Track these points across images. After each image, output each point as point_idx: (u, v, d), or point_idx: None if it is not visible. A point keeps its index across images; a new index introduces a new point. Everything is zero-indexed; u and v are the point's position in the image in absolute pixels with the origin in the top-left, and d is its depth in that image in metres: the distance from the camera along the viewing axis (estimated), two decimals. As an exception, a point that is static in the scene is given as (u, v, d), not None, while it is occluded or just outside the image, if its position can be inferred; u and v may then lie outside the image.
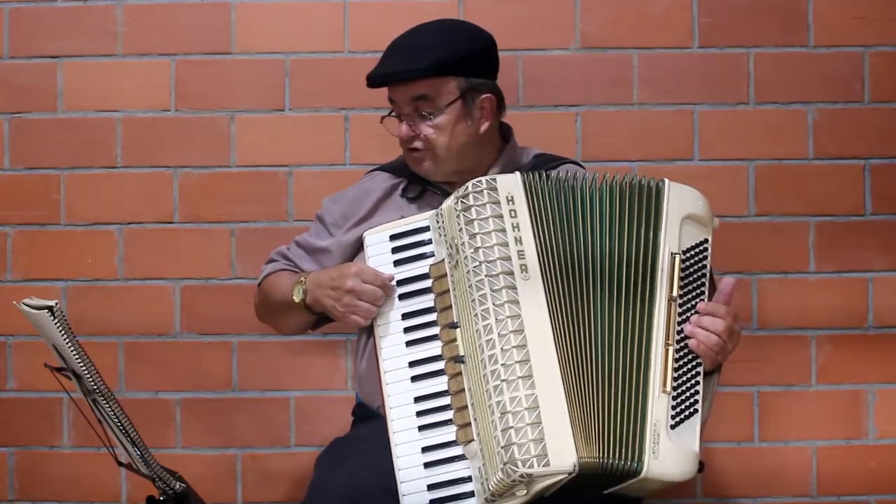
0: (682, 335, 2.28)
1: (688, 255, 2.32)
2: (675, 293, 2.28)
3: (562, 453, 2.14)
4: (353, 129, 3.14)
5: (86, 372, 2.26)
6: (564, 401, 2.18)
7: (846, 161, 3.14)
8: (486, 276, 2.24)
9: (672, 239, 2.31)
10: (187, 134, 3.15)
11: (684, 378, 2.26)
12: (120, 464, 2.45)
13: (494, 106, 2.55)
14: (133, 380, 3.14)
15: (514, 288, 2.23)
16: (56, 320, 2.22)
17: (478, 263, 2.25)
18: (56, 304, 2.22)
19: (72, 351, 2.24)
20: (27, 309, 2.25)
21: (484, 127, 2.54)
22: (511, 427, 2.15)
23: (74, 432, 3.14)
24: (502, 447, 2.15)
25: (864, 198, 3.14)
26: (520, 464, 2.13)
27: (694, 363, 2.28)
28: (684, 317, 2.29)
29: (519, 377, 2.18)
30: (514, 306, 2.22)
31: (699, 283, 2.32)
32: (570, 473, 2.15)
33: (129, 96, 3.14)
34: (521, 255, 2.25)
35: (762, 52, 3.14)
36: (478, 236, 2.26)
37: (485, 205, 2.28)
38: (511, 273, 2.24)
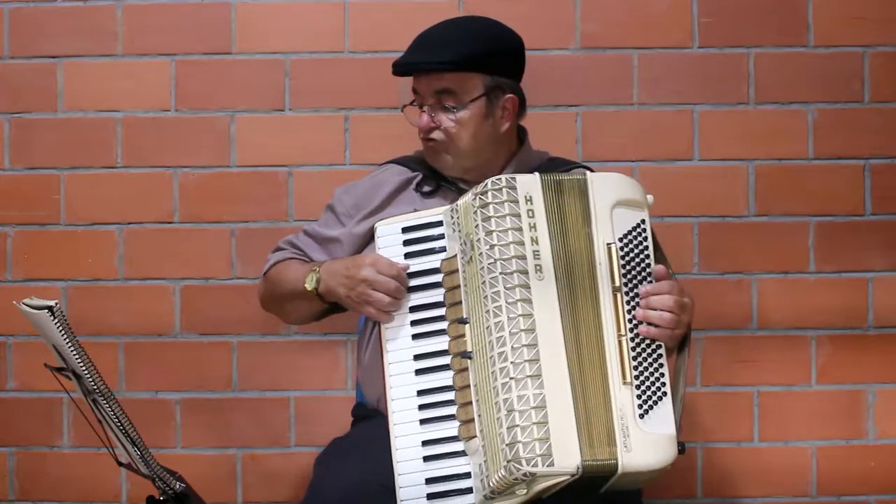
0: (635, 323, 2.28)
1: (625, 240, 2.32)
2: (617, 283, 2.29)
3: (566, 454, 2.15)
4: (353, 129, 3.14)
5: (86, 372, 2.26)
6: (571, 402, 2.19)
7: (846, 161, 3.14)
8: (500, 273, 2.24)
9: (605, 230, 2.31)
10: (187, 134, 3.15)
11: (645, 364, 2.27)
12: (120, 464, 2.45)
13: (516, 107, 2.55)
14: (133, 380, 3.14)
15: (527, 287, 2.24)
16: (56, 320, 2.22)
17: (493, 261, 2.25)
18: (56, 304, 2.22)
19: (72, 351, 2.24)
20: (27, 309, 2.25)
21: (504, 127, 2.54)
22: (517, 425, 2.16)
23: (74, 432, 3.14)
24: (507, 444, 2.16)
25: (864, 198, 3.14)
26: (524, 462, 2.14)
27: (652, 347, 2.28)
28: (633, 303, 2.30)
29: (528, 376, 2.19)
30: (527, 305, 2.23)
31: (643, 264, 2.32)
32: (572, 475, 2.15)
33: (129, 96, 3.14)
34: (536, 255, 2.26)
35: (762, 52, 3.14)
36: (494, 234, 2.27)
37: (503, 203, 2.28)
38: (525, 272, 2.24)
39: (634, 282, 2.30)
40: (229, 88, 3.15)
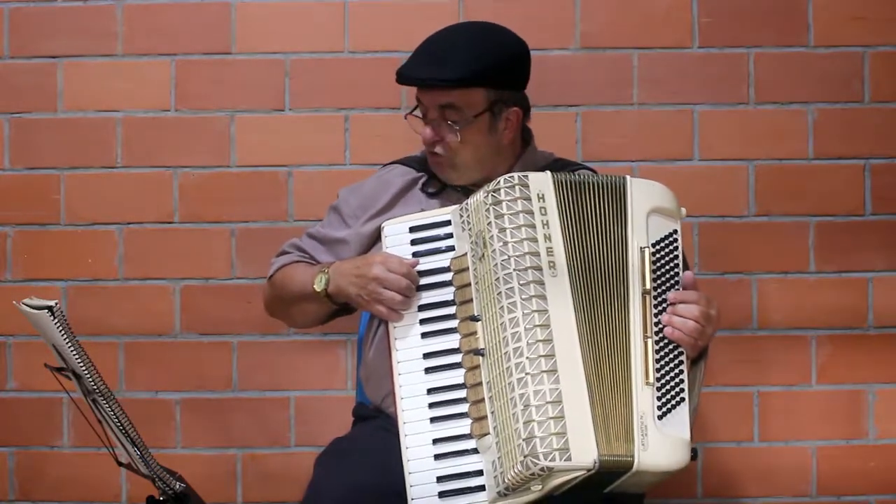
0: (661, 326, 2.30)
1: (657, 247, 2.34)
2: (648, 286, 2.30)
3: (583, 449, 2.15)
4: (353, 129, 3.14)
5: (86, 372, 2.26)
6: (587, 397, 2.20)
7: (846, 161, 3.14)
8: (514, 269, 2.25)
9: (640, 233, 2.33)
10: (187, 134, 3.15)
11: (667, 368, 2.28)
12: (120, 464, 2.45)
13: (520, 119, 2.55)
14: (133, 380, 3.14)
15: (542, 283, 2.24)
16: (56, 320, 2.22)
17: (507, 257, 2.26)
18: (56, 304, 2.22)
19: (72, 351, 2.24)
20: (27, 309, 2.25)
21: (508, 138, 2.54)
22: (534, 420, 2.16)
23: (74, 432, 3.14)
24: (524, 439, 2.16)
25: (864, 198, 3.14)
26: (541, 457, 2.14)
27: (675, 353, 2.30)
28: (660, 308, 2.31)
29: (543, 371, 2.19)
30: (542, 301, 2.23)
31: (672, 273, 2.34)
32: (589, 470, 2.15)
33: (129, 96, 3.14)
34: (549, 252, 2.27)
35: (762, 52, 3.14)
36: (508, 230, 2.27)
37: (516, 200, 2.29)
38: (539, 269, 2.25)
39: (663, 287, 2.32)
40: (229, 88, 3.15)
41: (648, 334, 2.28)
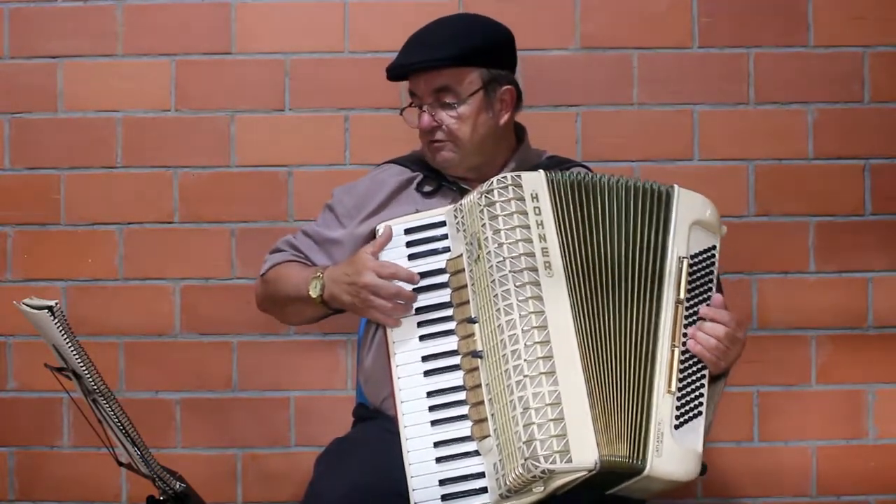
0: (688, 339, 2.30)
1: (695, 259, 2.34)
2: (682, 296, 2.30)
3: (584, 450, 2.15)
4: (353, 129, 3.14)
5: (86, 372, 2.26)
6: (586, 398, 2.19)
7: (846, 161, 3.15)
8: (509, 271, 2.23)
9: (680, 243, 2.33)
10: (187, 134, 3.15)
11: (689, 380, 2.28)
12: (120, 464, 2.45)
13: (514, 98, 2.55)
14: (133, 380, 3.14)
15: (537, 284, 2.23)
16: (56, 320, 2.22)
17: (501, 259, 2.25)
18: (56, 304, 2.22)
19: (72, 351, 2.24)
20: (27, 309, 2.25)
21: (504, 119, 2.54)
22: (533, 423, 2.15)
23: (74, 432, 3.14)
24: (524, 442, 2.15)
25: (864, 198, 3.14)
26: (542, 459, 2.13)
27: (699, 366, 2.30)
28: (691, 320, 2.31)
29: (542, 373, 2.18)
30: (538, 302, 2.22)
31: (706, 287, 2.34)
32: (590, 471, 2.15)
33: (129, 96, 3.15)
34: (545, 252, 2.26)
35: (762, 52, 3.14)
36: (502, 232, 2.26)
37: (510, 200, 2.28)
38: (535, 269, 2.24)
39: (696, 300, 2.33)
40: (229, 88, 3.15)
41: (676, 343, 2.28)
